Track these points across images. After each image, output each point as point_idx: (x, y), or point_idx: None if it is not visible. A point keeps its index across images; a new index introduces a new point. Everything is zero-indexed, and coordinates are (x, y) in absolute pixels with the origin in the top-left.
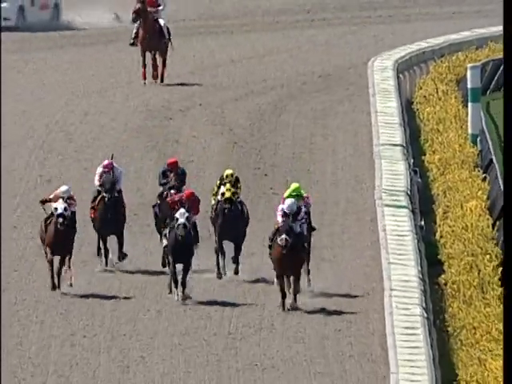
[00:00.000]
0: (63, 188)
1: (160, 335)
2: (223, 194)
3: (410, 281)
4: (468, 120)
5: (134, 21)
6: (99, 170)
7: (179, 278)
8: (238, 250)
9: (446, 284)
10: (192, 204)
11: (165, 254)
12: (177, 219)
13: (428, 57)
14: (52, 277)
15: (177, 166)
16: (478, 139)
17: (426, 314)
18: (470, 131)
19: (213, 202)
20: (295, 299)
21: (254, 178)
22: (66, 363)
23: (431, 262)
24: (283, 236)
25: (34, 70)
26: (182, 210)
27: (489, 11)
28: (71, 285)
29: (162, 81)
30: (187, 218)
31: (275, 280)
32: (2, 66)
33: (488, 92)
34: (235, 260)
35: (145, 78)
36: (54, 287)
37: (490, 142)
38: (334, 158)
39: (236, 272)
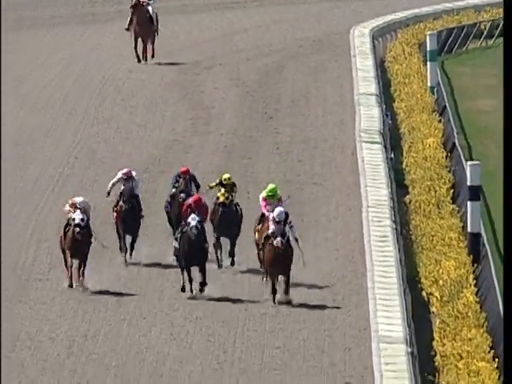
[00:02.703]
0: (78, 199)
1: None
2: (218, 198)
3: (382, 200)
4: (427, 75)
5: (132, 13)
6: (119, 175)
7: (196, 284)
8: (233, 245)
9: (410, 202)
10: (201, 210)
11: (177, 258)
12: (189, 223)
13: (397, 26)
14: (70, 277)
15: (187, 173)
16: (435, 90)
17: (394, 226)
18: (428, 84)
19: (212, 184)
20: (287, 294)
21: (261, 120)
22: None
23: (399, 185)
24: (278, 239)
25: (90, 37)
26: (193, 215)
27: None
28: (82, 286)
29: (152, 57)
30: (198, 221)
31: (264, 278)
32: (58, 34)
33: (442, 53)
34: (231, 253)
35: (138, 57)
36: (71, 285)
37: (444, 92)
38: (324, 104)
39: (232, 263)
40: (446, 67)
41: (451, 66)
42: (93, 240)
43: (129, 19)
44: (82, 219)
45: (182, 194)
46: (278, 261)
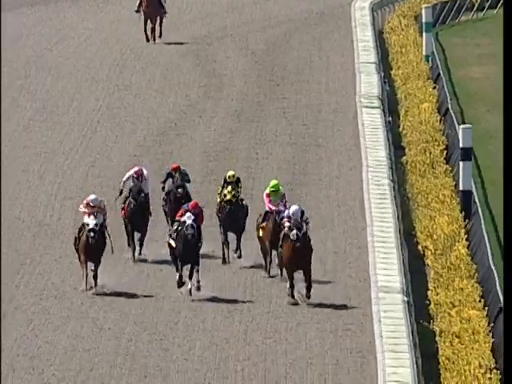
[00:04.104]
0: (91, 197)
1: None
2: (225, 196)
3: (381, 160)
4: (423, 45)
5: None
6: (130, 172)
7: (190, 281)
8: (239, 239)
9: (406, 163)
10: (197, 213)
11: (173, 256)
12: (184, 221)
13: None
14: (86, 279)
15: (179, 169)
16: (430, 59)
17: (392, 184)
18: (424, 53)
19: (218, 199)
20: (309, 292)
21: (269, 87)
22: None
23: (396, 146)
24: (294, 231)
25: (111, 9)
26: (189, 214)
27: None
28: (95, 285)
29: (160, 37)
30: (194, 220)
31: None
32: (81, 8)
33: (437, 25)
34: (237, 247)
35: (147, 37)
36: (86, 287)
37: (438, 61)
38: (327, 72)
39: (239, 256)
40: (440, 38)
41: (445, 37)
42: (107, 242)
43: (138, 2)
44: (96, 224)
45: (179, 190)
46: (296, 255)
